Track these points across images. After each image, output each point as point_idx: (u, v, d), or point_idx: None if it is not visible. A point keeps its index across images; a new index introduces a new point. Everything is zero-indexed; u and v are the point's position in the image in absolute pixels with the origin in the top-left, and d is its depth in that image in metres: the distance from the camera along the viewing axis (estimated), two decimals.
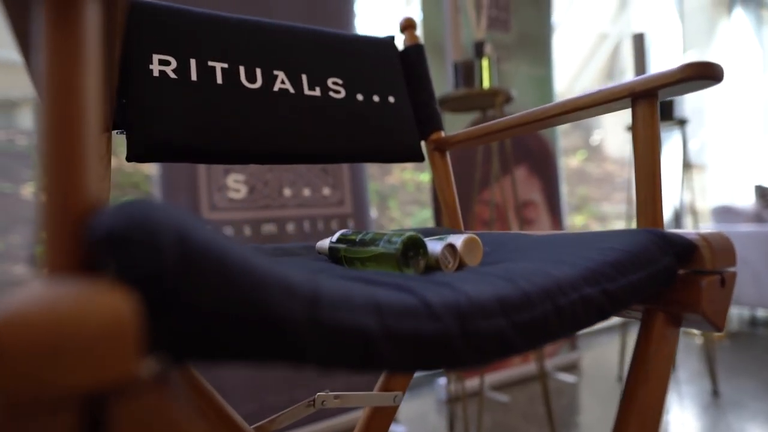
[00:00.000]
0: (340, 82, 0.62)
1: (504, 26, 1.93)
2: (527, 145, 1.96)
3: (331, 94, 0.61)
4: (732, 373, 1.85)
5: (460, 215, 0.65)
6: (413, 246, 0.37)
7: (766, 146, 3.86)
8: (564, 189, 2.05)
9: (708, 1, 3.68)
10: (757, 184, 2.74)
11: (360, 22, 2.11)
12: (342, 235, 0.43)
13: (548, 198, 2.00)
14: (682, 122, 1.77)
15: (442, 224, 1.44)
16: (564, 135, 3.18)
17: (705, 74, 0.37)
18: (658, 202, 0.41)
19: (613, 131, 3.32)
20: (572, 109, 0.46)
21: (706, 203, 3.73)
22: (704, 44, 3.72)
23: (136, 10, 0.47)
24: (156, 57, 0.48)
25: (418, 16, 1.74)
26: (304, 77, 0.59)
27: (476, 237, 0.40)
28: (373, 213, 2.54)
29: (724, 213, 2.69)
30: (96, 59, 0.19)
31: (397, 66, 0.69)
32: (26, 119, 1.65)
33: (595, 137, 3.29)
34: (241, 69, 0.53)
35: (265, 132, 0.52)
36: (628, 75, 3.26)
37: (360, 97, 0.63)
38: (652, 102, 0.41)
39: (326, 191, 1.35)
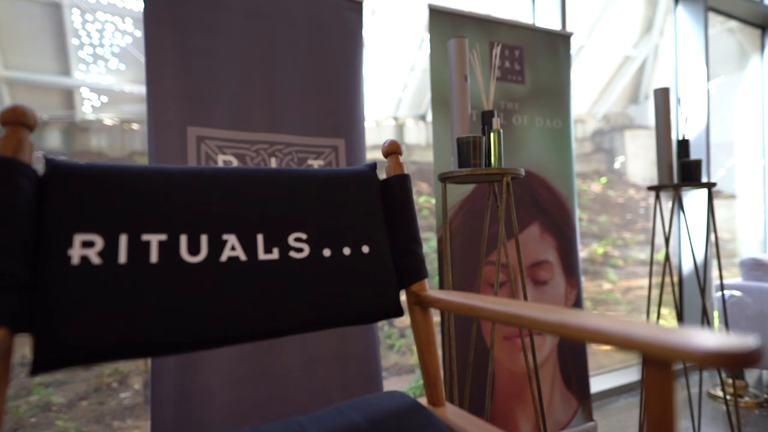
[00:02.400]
0: (303, 237, 0.53)
1: (519, 78, 1.85)
2: (539, 202, 1.85)
3: (293, 254, 0.52)
4: None
5: (442, 386, 0.56)
6: None
7: None
8: (579, 248, 1.93)
9: (735, 25, 3.54)
10: None
11: (368, 64, 2.06)
12: None
13: (563, 257, 1.89)
14: (709, 185, 1.65)
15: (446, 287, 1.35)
16: (587, 160, 3.06)
17: None
18: None
19: (635, 155, 3.18)
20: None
21: (736, 236, 3.54)
22: (732, 71, 3.56)
23: (56, 177, 0.40)
24: (78, 238, 0.41)
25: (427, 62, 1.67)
26: (260, 238, 0.51)
27: None
28: None
29: (754, 267, 2.52)
30: None
31: (377, 204, 0.60)
32: (52, 139, 1.63)
33: (618, 162, 3.16)
34: (183, 239, 0.46)
35: (209, 316, 0.45)
36: (651, 99, 3.13)
37: (327, 252, 0.54)
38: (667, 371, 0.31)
39: None
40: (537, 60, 1.90)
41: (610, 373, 2.57)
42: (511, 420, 1.72)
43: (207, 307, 0.45)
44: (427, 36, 1.66)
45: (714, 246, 2.66)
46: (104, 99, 1.74)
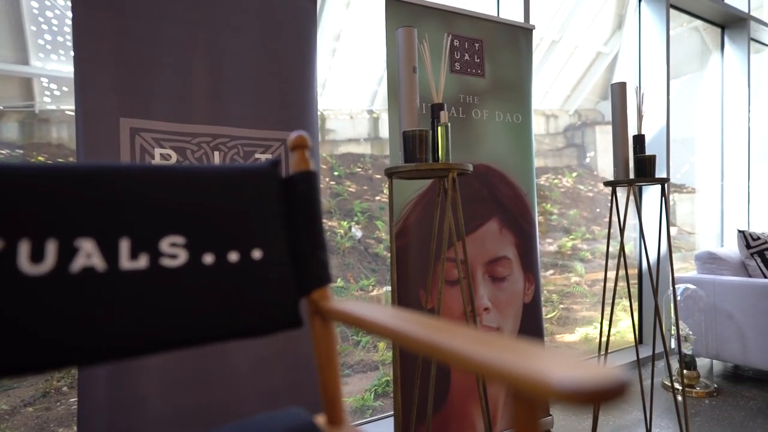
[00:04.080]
0: (180, 241, 0.47)
1: (479, 71, 1.82)
2: (499, 197, 1.83)
3: (165, 262, 0.46)
4: None
5: (341, 404, 0.51)
6: None
7: (749, 188, 3.78)
8: (538, 244, 1.93)
9: (700, 24, 3.60)
10: (740, 229, 2.63)
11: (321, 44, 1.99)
12: None
13: (522, 253, 1.88)
14: (662, 181, 1.66)
15: (396, 303, 1.32)
16: (558, 155, 3.07)
17: None
18: None
19: (605, 150, 3.22)
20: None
21: (695, 229, 3.63)
22: (697, 69, 3.63)
23: None
24: None
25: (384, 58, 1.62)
26: (124, 244, 0.44)
27: None
28: (358, 232, 2.42)
29: (709, 261, 2.58)
30: None
31: (274, 204, 0.54)
32: (9, 130, 1.54)
33: (588, 157, 3.19)
34: (23, 246, 0.39)
35: (52, 341, 0.39)
36: None
37: (209, 259, 0.48)
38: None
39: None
40: (498, 53, 1.87)
41: None
42: (468, 418, 1.71)
43: (49, 329, 0.39)
44: (384, 26, 1.61)
45: (673, 240, 2.71)
46: (65, 89, 1.64)
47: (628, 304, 3.13)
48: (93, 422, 1.07)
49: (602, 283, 2.90)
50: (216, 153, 1.32)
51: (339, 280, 2.28)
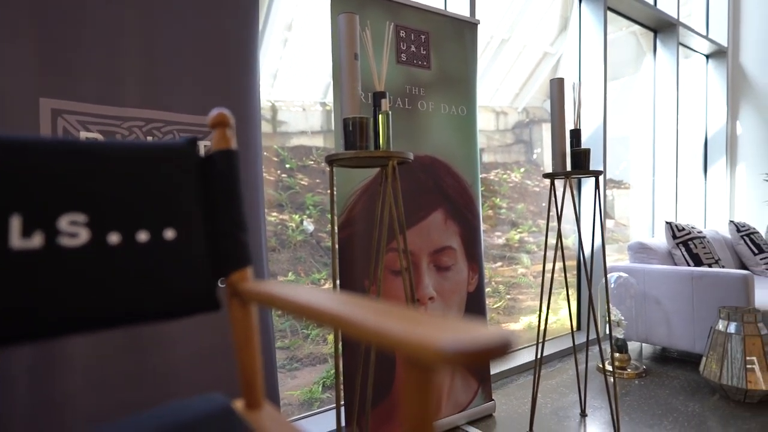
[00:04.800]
0: (81, 219, 0.44)
1: (424, 63, 1.83)
2: (444, 188, 1.87)
3: (63, 241, 0.42)
4: (640, 421, 1.85)
5: (260, 387, 0.51)
6: None
7: (676, 181, 4.05)
8: (482, 234, 1.98)
9: (638, 28, 3.81)
10: (668, 220, 2.82)
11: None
12: None
13: (466, 243, 1.92)
14: (596, 174, 1.75)
15: (336, 287, 1.31)
16: (507, 151, 3.15)
17: None
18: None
19: (551, 146, 3.35)
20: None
21: (630, 223, 3.86)
22: (635, 71, 3.84)
23: None
24: None
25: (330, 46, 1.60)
26: (14, 221, 0.40)
27: None
28: (310, 226, 2.38)
29: (640, 251, 2.75)
30: None
31: (190, 183, 0.52)
32: None
33: (535, 153, 3.30)
34: None
35: None
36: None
37: (115, 238, 0.45)
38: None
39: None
40: (443, 46, 1.90)
41: (513, 353, 2.70)
42: None
43: None
44: (329, 15, 1.59)
45: (610, 231, 2.86)
46: None
47: (572, 292, 3.28)
48: (14, 421, 1.00)
49: (546, 275, 3.02)
50: (149, 138, 1.26)
51: (290, 274, 2.25)
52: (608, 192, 3.74)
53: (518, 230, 3.21)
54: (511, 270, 3.22)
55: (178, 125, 1.30)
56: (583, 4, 3.14)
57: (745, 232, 3.38)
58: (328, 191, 2.19)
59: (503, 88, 3.10)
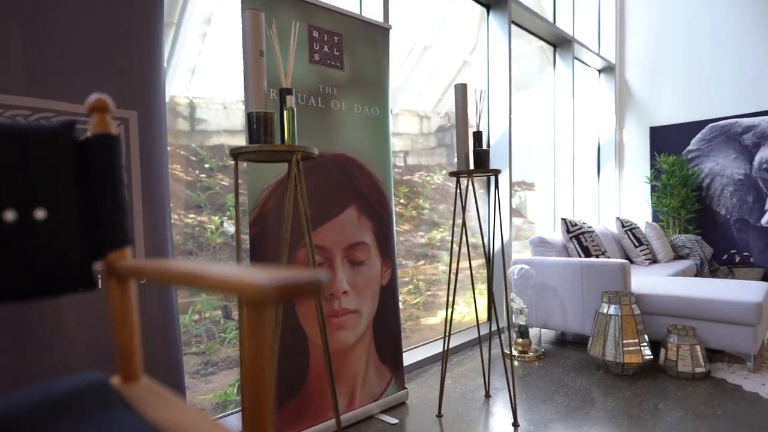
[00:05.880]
0: None
1: (338, 64, 1.89)
2: (357, 186, 1.93)
3: None
4: (535, 397, 2.03)
5: (137, 360, 0.53)
6: None
7: (572, 180, 4.47)
8: (395, 230, 2.07)
9: (538, 47, 4.15)
10: (563, 216, 3.12)
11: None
12: None
13: (380, 239, 2.00)
14: (495, 172, 1.90)
15: None
16: (430, 154, 3.28)
17: None
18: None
19: None
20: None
21: (535, 219, 4.19)
22: (534, 85, 4.18)
23: None
24: None
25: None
26: None
27: None
28: (230, 228, 2.31)
29: (540, 244, 3.01)
30: None
31: (64, 165, 0.52)
32: None
33: (456, 157, 3.46)
34: None
35: None
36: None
37: None
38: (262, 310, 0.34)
39: None
40: (357, 49, 1.96)
41: (427, 345, 2.84)
42: (327, 398, 1.78)
43: None
44: (240, 12, 1.59)
45: (520, 228, 3.08)
46: None
47: (482, 287, 3.50)
48: None
49: (465, 271, 3.21)
50: None
51: None
52: (520, 194, 4.05)
53: (440, 230, 3.36)
54: (433, 268, 3.36)
55: (69, 116, 1.24)
56: (490, 16, 3.38)
57: (628, 228, 3.82)
58: (244, 188, 2.16)
59: (426, 93, 3.24)
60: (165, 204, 1.41)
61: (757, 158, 4.25)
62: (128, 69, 1.33)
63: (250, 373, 0.33)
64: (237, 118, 2.18)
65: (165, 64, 1.45)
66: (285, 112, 1.14)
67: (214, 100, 2.13)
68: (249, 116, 1.09)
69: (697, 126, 4.58)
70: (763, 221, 4.23)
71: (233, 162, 1.22)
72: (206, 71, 2.09)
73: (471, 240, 3.33)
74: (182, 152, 2.08)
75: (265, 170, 1.65)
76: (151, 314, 1.35)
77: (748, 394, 2.03)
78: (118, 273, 0.51)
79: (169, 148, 1.48)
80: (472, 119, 1.98)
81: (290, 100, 1.15)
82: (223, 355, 2.26)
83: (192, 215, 2.11)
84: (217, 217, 2.23)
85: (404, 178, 3.09)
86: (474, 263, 3.32)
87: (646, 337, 2.33)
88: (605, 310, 2.37)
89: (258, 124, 1.08)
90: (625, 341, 2.27)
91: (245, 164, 1.60)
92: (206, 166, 2.16)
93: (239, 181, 1.25)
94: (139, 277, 0.48)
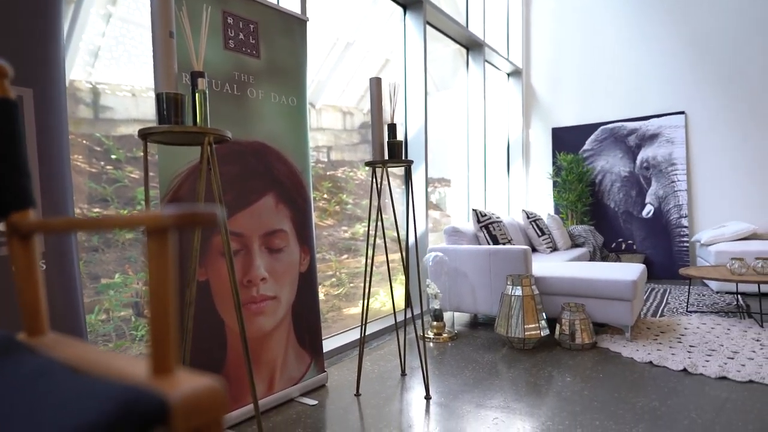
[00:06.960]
0: None
1: (254, 52, 1.89)
2: (275, 174, 1.95)
3: None
4: (447, 372, 2.19)
5: (43, 315, 0.54)
6: None
7: (483, 174, 4.78)
8: (313, 219, 2.12)
9: (455, 49, 4.38)
10: (474, 207, 3.35)
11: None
12: None
13: (298, 227, 2.04)
14: (407, 163, 2.01)
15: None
16: (354, 150, 3.33)
17: None
18: (171, 342, 0.39)
19: None
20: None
21: (451, 212, 4.43)
22: (451, 86, 4.42)
23: None
24: None
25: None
26: None
27: None
28: None
29: (453, 234, 3.21)
30: None
31: None
32: None
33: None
34: None
35: None
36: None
37: None
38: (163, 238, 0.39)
39: None
40: (274, 38, 1.98)
41: (348, 332, 2.91)
42: (246, 382, 1.79)
43: None
44: None
45: (438, 221, 3.23)
46: None
47: (403, 278, 3.65)
48: None
49: (386, 264, 3.31)
50: None
51: (117, 275, 2.07)
52: (440, 189, 4.25)
53: (363, 224, 3.45)
54: (356, 261, 3.44)
55: None
56: (407, 17, 3.52)
57: (533, 219, 4.18)
58: (159, 182, 2.10)
59: (349, 90, 3.29)
60: (66, 196, 1.35)
61: (639, 158, 4.84)
62: (22, 44, 1.25)
63: (155, 296, 0.37)
64: (148, 107, 2.09)
65: (63, 43, 1.37)
66: (197, 94, 1.15)
67: (121, 86, 2.03)
68: (158, 97, 1.08)
69: (591, 128, 5.11)
70: (644, 213, 4.83)
71: (143, 145, 1.20)
72: (111, 55, 1.98)
73: (391, 234, 3.45)
74: (84, 141, 1.96)
75: (178, 156, 1.62)
76: (54, 303, 1.28)
77: (625, 359, 2.34)
78: (20, 231, 0.52)
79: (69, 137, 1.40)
80: (387, 112, 2.08)
81: (202, 83, 1.16)
82: (134, 352, 2.17)
83: (97, 209, 2.00)
84: (126, 211, 2.12)
85: (328, 173, 3.13)
86: (394, 256, 3.45)
87: (544, 315, 2.59)
88: (509, 292, 2.60)
89: (168, 105, 1.08)
90: (526, 319, 2.51)
91: (156, 156, 1.57)
92: (113, 157, 2.05)
93: (151, 174, 1.23)
94: (44, 231, 0.49)
